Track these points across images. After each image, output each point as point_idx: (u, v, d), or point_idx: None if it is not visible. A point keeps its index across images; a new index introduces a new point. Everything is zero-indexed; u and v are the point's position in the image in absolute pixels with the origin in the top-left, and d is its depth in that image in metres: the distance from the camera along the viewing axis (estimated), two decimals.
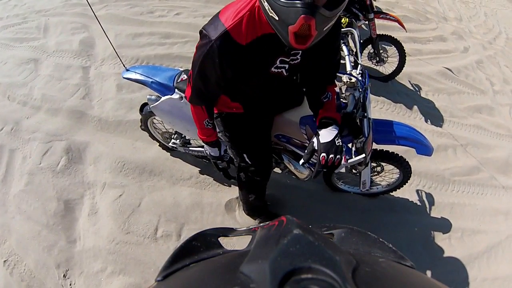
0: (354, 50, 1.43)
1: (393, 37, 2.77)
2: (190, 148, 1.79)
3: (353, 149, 1.33)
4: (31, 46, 3.01)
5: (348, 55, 1.31)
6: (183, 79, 1.41)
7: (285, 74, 0.97)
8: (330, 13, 0.67)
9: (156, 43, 3.09)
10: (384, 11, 4.66)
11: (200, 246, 0.46)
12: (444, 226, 1.99)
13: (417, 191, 2.15)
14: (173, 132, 1.82)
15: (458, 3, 6.98)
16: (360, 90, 1.21)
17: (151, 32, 3.24)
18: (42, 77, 2.64)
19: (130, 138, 2.11)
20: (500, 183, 2.47)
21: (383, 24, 3.32)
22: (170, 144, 1.84)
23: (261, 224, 0.53)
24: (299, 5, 0.64)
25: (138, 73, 1.50)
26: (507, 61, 4.77)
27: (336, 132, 0.99)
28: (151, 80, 1.47)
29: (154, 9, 3.68)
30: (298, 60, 0.94)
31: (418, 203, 2.07)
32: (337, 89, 1.25)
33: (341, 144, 0.98)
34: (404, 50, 2.80)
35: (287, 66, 0.94)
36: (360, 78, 1.22)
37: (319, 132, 1.01)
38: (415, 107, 2.91)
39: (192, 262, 0.41)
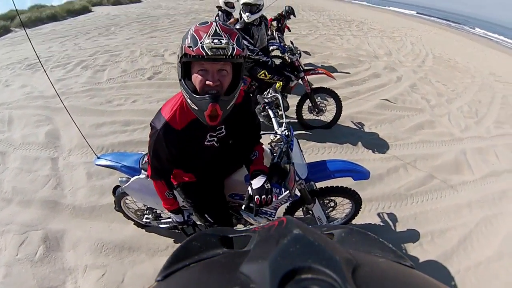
0: (280, 112, 1.74)
1: (326, 87, 3.10)
2: (162, 221, 1.94)
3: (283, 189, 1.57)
4: None
5: (274, 117, 1.62)
6: (147, 161, 1.62)
7: (216, 145, 1.26)
8: (229, 97, 1.01)
9: (118, 131, 3.26)
10: (318, 65, 5.24)
11: (200, 246, 0.45)
12: (412, 236, 2.11)
13: (378, 214, 2.30)
14: (145, 208, 1.98)
15: (386, 40, 7.98)
16: (285, 142, 1.49)
17: (112, 121, 3.43)
18: (10, 170, 2.67)
19: (106, 221, 2.19)
20: (454, 182, 2.66)
21: (319, 77, 3.71)
22: (144, 220, 1.98)
23: (261, 224, 0.53)
24: (207, 98, 0.97)
25: (108, 160, 1.71)
26: (437, 77, 5.30)
27: (264, 179, 1.26)
28: (120, 164, 1.68)
29: (112, 98, 3.94)
30: (224, 133, 1.25)
31: (381, 223, 2.21)
32: (268, 147, 1.54)
33: (270, 187, 1.25)
34: (339, 97, 3.11)
35: (215, 138, 1.24)
36: (284, 134, 1.51)
37: (251, 182, 1.28)
38: (360, 142, 3.14)
39: (192, 262, 0.41)
